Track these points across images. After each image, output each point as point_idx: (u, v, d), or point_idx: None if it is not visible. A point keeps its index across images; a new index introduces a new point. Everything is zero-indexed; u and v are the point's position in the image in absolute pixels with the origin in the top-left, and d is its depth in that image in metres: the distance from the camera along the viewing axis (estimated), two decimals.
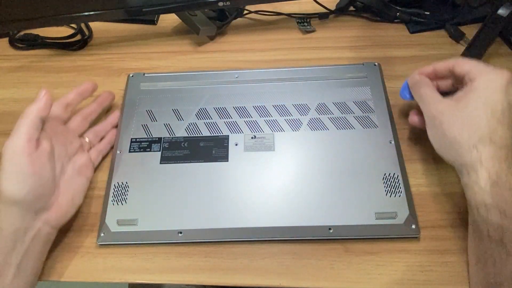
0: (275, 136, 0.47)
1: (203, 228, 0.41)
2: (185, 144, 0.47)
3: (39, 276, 0.39)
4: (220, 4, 0.54)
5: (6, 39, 0.63)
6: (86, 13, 0.54)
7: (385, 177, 0.43)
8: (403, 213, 0.41)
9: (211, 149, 0.46)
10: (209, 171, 0.45)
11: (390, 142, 0.46)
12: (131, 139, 0.48)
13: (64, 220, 0.39)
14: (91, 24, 0.64)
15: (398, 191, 0.42)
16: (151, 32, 0.63)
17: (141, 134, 0.48)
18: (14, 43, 0.62)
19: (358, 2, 0.61)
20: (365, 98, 0.50)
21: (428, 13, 0.58)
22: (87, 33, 0.63)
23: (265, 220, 0.41)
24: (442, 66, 0.41)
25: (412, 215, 0.41)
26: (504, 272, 0.30)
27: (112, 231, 0.41)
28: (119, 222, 0.42)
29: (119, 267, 0.41)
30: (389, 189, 0.42)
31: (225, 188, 0.43)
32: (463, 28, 0.58)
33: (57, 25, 0.61)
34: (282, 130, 0.47)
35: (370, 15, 0.62)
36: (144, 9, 0.54)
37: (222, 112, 0.49)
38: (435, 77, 0.43)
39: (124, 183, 0.44)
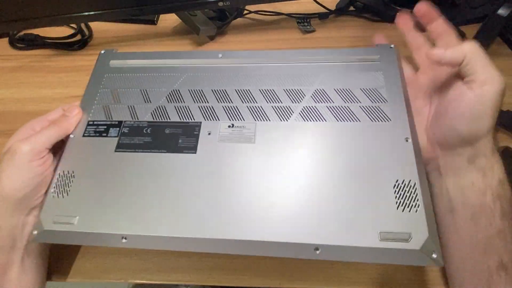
0: (257, 126, 0.39)
1: (154, 235, 0.33)
2: (148, 130, 0.40)
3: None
4: (220, 4, 0.54)
5: (6, 39, 0.63)
6: (86, 13, 0.54)
7: (397, 184, 0.33)
8: (420, 235, 0.31)
9: (178, 137, 0.39)
10: (171, 164, 0.37)
11: (407, 140, 0.36)
12: (88, 121, 0.41)
13: None
14: (91, 24, 0.64)
15: (414, 204, 0.32)
16: (151, 32, 0.63)
17: (101, 117, 0.42)
18: (14, 43, 0.62)
19: (358, 2, 0.61)
20: (376, 85, 0.40)
21: None
22: (87, 33, 0.63)
23: (236, 230, 0.33)
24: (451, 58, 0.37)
25: (433, 239, 0.30)
26: None
27: (45, 229, 0.35)
28: (55, 220, 0.35)
29: (119, 267, 0.40)
30: (402, 200, 0.33)
31: (189, 186, 0.36)
32: (463, 28, 0.58)
33: (57, 25, 0.61)
34: (267, 119, 0.39)
35: (370, 15, 0.62)
36: (144, 9, 0.54)
37: (197, 95, 0.42)
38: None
39: (70, 172, 0.38)
